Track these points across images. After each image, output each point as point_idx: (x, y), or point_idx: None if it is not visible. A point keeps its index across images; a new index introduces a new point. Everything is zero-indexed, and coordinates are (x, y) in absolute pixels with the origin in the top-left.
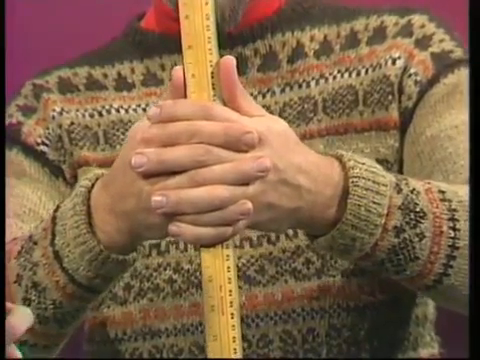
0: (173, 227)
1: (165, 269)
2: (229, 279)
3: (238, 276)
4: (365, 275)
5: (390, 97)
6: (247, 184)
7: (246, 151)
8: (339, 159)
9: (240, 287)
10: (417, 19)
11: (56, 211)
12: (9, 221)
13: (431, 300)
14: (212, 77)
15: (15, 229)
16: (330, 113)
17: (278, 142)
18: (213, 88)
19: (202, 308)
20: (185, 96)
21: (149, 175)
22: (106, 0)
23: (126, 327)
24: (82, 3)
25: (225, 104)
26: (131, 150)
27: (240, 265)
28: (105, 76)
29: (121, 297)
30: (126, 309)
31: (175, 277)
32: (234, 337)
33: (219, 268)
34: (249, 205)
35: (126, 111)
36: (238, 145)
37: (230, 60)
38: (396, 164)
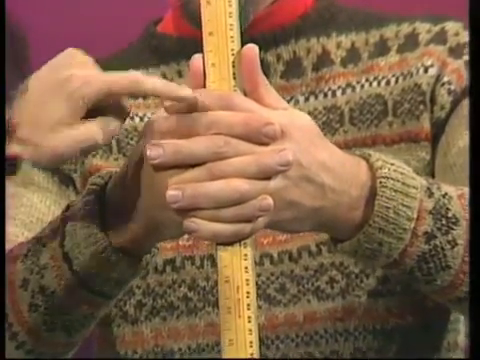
0: (189, 223)
1: (180, 286)
2: (247, 280)
3: (257, 295)
4: (394, 296)
5: (421, 107)
6: (268, 179)
7: (267, 144)
8: (366, 159)
9: (259, 307)
10: (451, 26)
11: (66, 211)
12: (16, 230)
13: (463, 316)
14: (233, 66)
15: (22, 239)
16: (357, 124)
17: (301, 136)
18: (234, 78)
19: (219, 326)
20: (204, 86)
21: (165, 168)
22: (122, 4)
23: (137, 347)
24: (97, 7)
25: (246, 95)
26: (146, 142)
27: (260, 283)
28: None
29: (132, 315)
30: (137, 328)
31: (190, 295)
32: (251, 342)
33: (236, 268)
34: (270, 200)
35: (141, 119)
36: (259, 137)
37: (253, 49)
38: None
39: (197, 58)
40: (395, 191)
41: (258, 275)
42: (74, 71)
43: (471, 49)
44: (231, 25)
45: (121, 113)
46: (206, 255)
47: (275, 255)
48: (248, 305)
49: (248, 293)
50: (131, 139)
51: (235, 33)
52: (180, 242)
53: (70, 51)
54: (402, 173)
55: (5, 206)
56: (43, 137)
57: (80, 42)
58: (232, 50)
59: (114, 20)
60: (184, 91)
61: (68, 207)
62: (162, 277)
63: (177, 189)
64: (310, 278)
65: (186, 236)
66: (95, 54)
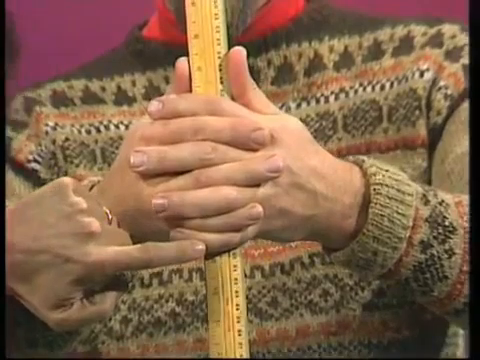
0: (175, 233)
1: (167, 301)
2: (236, 292)
3: (248, 309)
4: (390, 309)
5: (417, 112)
6: (257, 186)
7: (256, 150)
8: (360, 165)
9: (250, 321)
10: (448, 29)
11: None
12: None
13: (461, 329)
14: (220, 70)
15: None
16: (351, 131)
17: (292, 142)
18: (221, 82)
19: (208, 341)
20: (190, 90)
21: (149, 176)
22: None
23: None
24: (80, 11)
25: (234, 100)
26: (130, 149)
27: (250, 297)
28: (103, 89)
29: (117, 331)
30: (123, 345)
31: (178, 310)
32: (242, 355)
33: (225, 280)
34: (259, 208)
35: (126, 127)
36: (247, 143)
37: (240, 51)
38: None
39: (182, 61)
40: (390, 198)
41: (249, 288)
42: (80, 251)
43: (471, 50)
44: (217, 27)
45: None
46: (194, 268)
47: (266, 267)
48: (238, 318)
49: (238, 305)
50: (116, 148)
51: (222, 35)
52: None
53: (70, 202)
54: (397, 179)
55: (5, 206)
56: (44, 313)
57: (60, 48)
58: (218, 53)
59: (98, 24)
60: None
61: None
62: (149, 291)
63: (163, 198)
64: (303, 291)
65: None
66: (77, 60)
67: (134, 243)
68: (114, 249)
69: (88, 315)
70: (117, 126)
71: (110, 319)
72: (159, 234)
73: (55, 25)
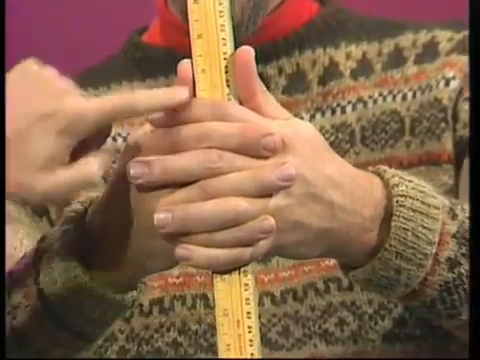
0: (180, 250)
1: (169, 330)
2: (248, 313)
3: None
4: (412, 340)
5: (443, 125)
6: (269, 197)
7: (267, 158)
8: (381, 175)
9: None
10: None
11: (41, 242)
12: None
13: None
14: (226, 72)
15: None
16: (370, 144)
17: (306, 149)
18: (227, 85)
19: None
20: (194, 95)
21: (151, 188)
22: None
23: None
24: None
25: (242, 104)
26: (129, 160)
27: (260, 325)
28: None
29: None
30: None
31: (180, 340)
32: None
33: (236, 299)
34: (271, 221)
35: (124, 139)
36: (257, 149)
37: (248, 51)
38: None
39: (185, 64)
40: (414, 211)
41: (258, 317)
42: (58, 104)
43: (471, 49)
44: (222, 26)
45: (103, 134)
46: (199, 294)
47: (277, 294)
48: (250, 341)
49: (250, 328)
50: (114, 162)
51: (227, 35)
52: (169, 280)
53: (36, 73)
54: (422, 191)
55: (5, 207)
56: (31, 178)
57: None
58: (224, 54)
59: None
60: (181, 93)
61: (43, 238)
62: (148, 320)
63: (166, 211)
64: (317, 319)
65: (176, 273)
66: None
67: (135, 266)
68: (96, 99)
69: (75, 175)
70: (114, 138)
71: (107, 350)
72: (163, 253)
73: (48, 32)
